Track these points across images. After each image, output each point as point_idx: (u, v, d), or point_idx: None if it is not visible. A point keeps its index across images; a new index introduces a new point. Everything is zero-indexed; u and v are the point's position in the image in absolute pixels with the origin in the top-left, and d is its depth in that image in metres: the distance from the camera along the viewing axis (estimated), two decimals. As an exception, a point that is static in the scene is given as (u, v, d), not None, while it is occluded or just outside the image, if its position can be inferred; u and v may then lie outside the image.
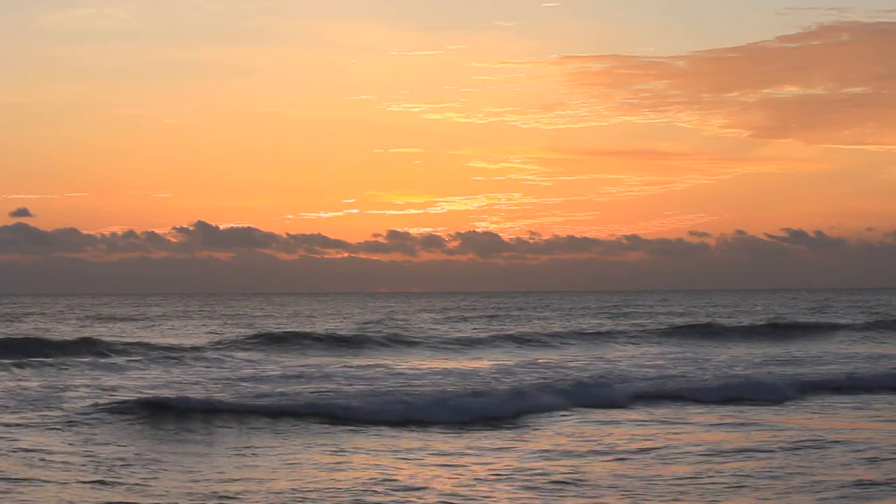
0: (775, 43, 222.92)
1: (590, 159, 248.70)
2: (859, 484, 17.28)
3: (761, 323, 73.41)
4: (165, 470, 18.81)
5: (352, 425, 24.30)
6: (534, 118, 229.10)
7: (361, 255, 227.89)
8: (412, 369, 38.88)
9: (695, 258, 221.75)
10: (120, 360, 41.94)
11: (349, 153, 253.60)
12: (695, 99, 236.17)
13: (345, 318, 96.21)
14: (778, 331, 66.30)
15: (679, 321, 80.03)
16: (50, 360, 40.61)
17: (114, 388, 30.90)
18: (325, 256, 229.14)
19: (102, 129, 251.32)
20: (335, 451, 20.92)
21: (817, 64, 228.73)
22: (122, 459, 19.72)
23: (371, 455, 20.45)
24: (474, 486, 17.41)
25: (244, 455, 20.62)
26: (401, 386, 31.31)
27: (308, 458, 20.20)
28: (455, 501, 16.25)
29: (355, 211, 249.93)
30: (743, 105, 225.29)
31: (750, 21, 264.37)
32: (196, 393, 29.28)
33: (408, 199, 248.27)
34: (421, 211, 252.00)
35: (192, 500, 16.25)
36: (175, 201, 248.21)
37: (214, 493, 16.74)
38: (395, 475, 18.27)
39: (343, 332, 59.84)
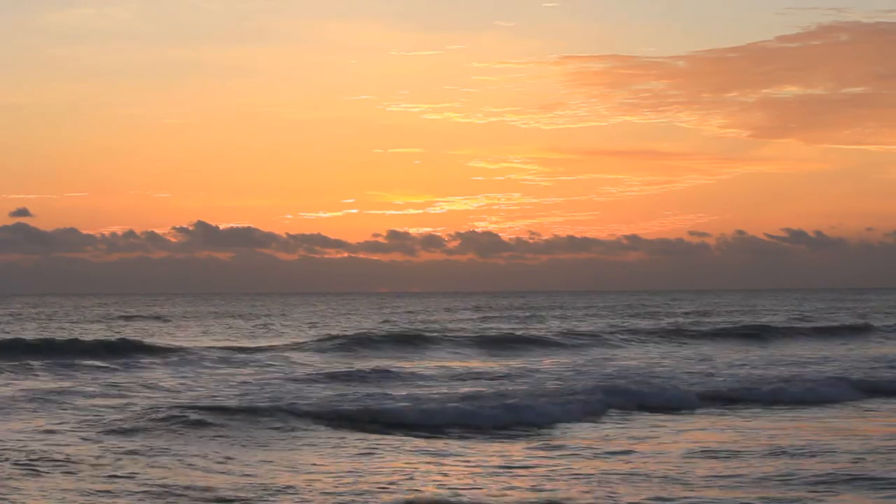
0: (775, 43, 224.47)
1: (590, 159, 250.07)
2: None
3: (805, 325, 73.37)
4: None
5: (428, 430, 24.24)
6: (534, 118, 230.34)
7: (361, 255, 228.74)
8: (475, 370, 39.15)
9: (695, 258, 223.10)
10: (163, 360, 41.86)
11: (349, 153, 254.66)
12: (695, 99, 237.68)
13: (364, 317, 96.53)
14: (820, 332, 66.31)
15: (707, 321, 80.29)
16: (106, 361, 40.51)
17: (168, 392, 30.63)
18: (325, 256, 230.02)
19: (102, 129, 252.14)
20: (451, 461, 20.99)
21: (817, 64, 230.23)
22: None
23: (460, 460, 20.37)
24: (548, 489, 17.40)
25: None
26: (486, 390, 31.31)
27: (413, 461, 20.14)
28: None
29: (355, 211, 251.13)
30: (743, 105, 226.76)
31: (750, 21, 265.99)
32: (309, 402, 29.36)
33: (408, 199, 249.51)
34: (421, 211, 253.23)
35: None
36: (175, 201, 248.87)
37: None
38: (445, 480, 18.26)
39: (400, 331, 59.89)
